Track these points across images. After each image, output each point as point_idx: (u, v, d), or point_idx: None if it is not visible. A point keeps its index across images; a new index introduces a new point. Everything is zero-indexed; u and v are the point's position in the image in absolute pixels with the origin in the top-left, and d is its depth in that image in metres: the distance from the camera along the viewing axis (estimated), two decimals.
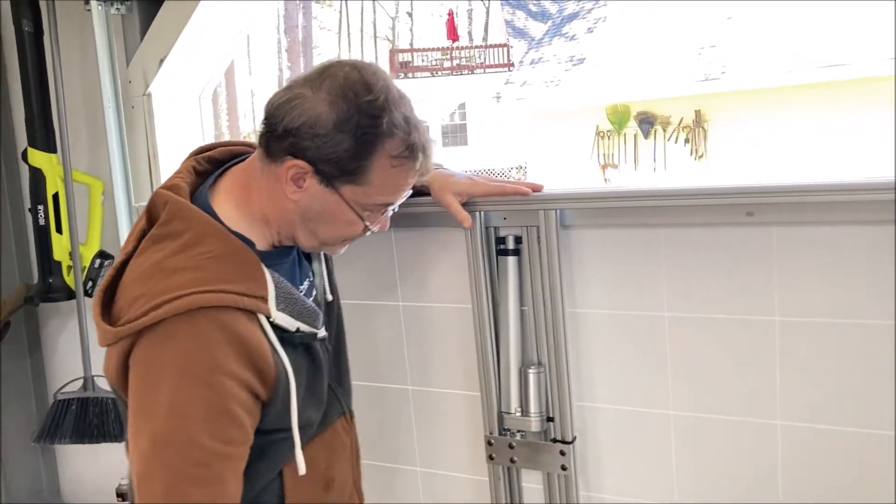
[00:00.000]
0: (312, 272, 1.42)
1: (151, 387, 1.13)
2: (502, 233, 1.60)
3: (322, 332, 1.31)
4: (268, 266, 1.22)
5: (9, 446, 2.50)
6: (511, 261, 1.59)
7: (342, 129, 1.16)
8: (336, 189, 1.21)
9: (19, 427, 2.51)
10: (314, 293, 1.40)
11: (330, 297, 1.44)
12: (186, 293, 1.12)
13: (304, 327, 1.26)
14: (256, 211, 1.25)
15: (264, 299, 1.18)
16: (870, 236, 1.36)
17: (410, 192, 1.31)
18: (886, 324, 1.36)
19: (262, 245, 1.26)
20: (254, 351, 1.16)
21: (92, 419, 2.25)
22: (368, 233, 1.29)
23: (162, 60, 2.21)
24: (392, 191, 1.25)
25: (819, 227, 1.38)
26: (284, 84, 1.25)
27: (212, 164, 1.34)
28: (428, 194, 1.52)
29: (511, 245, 1.59)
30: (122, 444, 1.41)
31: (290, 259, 1.33)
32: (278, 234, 1.27)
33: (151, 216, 1.24)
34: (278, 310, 1.20)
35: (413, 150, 1.21)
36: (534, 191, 1.52)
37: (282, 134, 1.18)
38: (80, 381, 2.29)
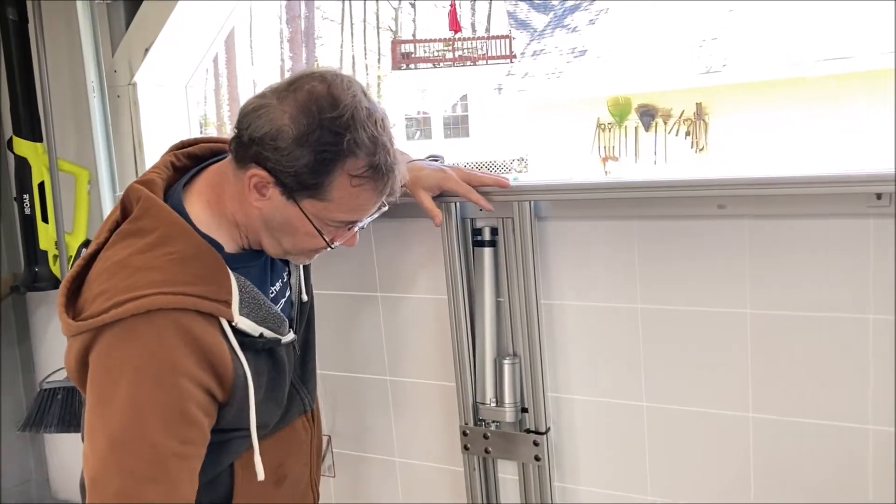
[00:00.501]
0: (288, 272, 1.40)
1: (110, 385, 1.13)
2: (478, 224, 1.60)
3: (287, 338, 1.31)
4: (236, 269, 1.22)
5: None
6: (487, 252, 1.59)
7: (302, 143, 1.14)
8: (297, 202, 1.19)
9: (7, 416, 2.52)
10: (288, 293, 1.40)
11: (305, 298, 1.44)
12: (148, 293, 1.12)
13: (268, 333, 1.26)
14: (227, 213, 1.24)
15: (227, 303, 1.18)
16: (842, 229, 1.35)
17: (384, 209, 1.28)
18: (859, 317, 1.36)
19: (230, 247, 1.25)
20: (212, 353, 1.16)
21: (77, 408, 2.25)
22: (331, 248, 1.27)
23: (147, 50, 2.22)
24: (353, 209, 1.22)
25: (791, 220, 1.38)
26: (259, 91, 1.23)
27: (191, 159, 1.34)
28: None
29: (487, 236, 1.59)
30: None
31: (260, 261, 1.31)
32: (247, 239, 1.27)
33: (125, 209, 1.24)
34: (241, 314, 1.20)
35: (376, 170, 1.18)
36: (500, 187, 1.51)
37: (247, 142, 1.17)
38: None
